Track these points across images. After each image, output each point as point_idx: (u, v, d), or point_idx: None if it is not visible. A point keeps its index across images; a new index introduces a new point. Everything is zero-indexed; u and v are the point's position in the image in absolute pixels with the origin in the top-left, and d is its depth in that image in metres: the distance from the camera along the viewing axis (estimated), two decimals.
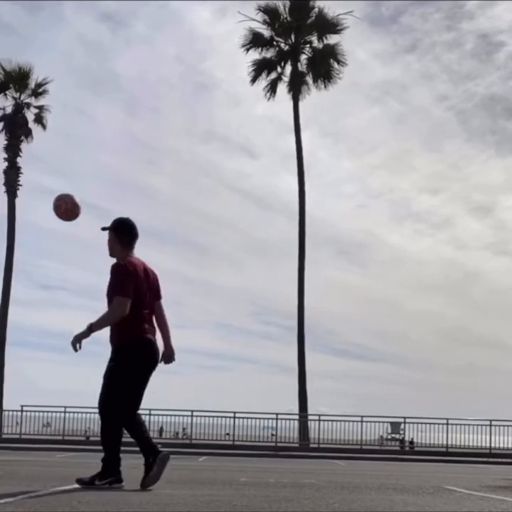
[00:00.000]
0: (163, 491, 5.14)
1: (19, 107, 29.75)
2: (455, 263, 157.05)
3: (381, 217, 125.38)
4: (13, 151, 29.28)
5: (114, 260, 5.60)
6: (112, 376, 5.41)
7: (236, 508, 4.23)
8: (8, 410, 25.17)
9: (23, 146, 29.72)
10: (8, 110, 29.70)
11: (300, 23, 29.65)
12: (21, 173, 29.22)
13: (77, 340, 5.32)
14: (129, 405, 5.42)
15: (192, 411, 23.36)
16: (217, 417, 23.74)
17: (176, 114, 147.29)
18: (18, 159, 29.30)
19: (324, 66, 29.64)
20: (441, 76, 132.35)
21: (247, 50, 30.07)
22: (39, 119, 29.90)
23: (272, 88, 30.31)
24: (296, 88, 29.31)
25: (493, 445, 22.42)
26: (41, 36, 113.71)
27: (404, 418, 24.15)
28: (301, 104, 29.36)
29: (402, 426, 24.85)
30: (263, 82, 30.30)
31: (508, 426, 22.54)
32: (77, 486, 5.32)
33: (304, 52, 30.11)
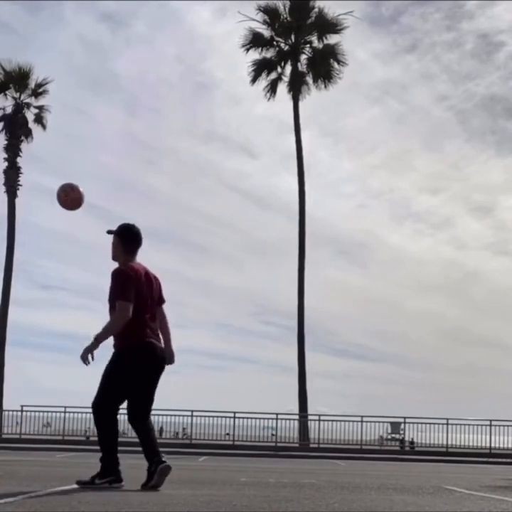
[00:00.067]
0: (163, 491, 5.14)
1: (19, 107, 29.74)
2: (455, 263, 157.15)
3: (381, 217, 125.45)
4: (13, 151, 29.28)
5: (115, 264, 5.63)
6: (111, 378, 5.43)
7: (236, 508, 4.23)
8: (8, 410, 25.18)
9: (23, 146, 29.75)
10: (8, 110, 29.72)
11: (300, 23, 29.64)
12: (21, 173, 29.24)
13: (87, 354, 5.29)
14: (138, 409, 5.47)
15: (192, 411, 23.36)
16: (217, 417, 23.75)
17: (176, 114, 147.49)
18: (18, 159, 29.29)
19: (324, 66, 29.64)
20: (441, 76, 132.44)
21: (247, 50, 30.08)
22: (39, 119, 29.90)
23: (272, 88, 30.32)
24: (296, 88, 29.31)
25: (493, 445, 22.42)
26: (41, 36, 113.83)
27: (404, 418, 24.15)
28: (301, 104, 29.39)
29: (402, 426, 24.85)
30: (263, 82, 30.34)
31: (508, 426, 22.55)
32: (77, 486, 5.33)
33: (304, 52, 30.11)
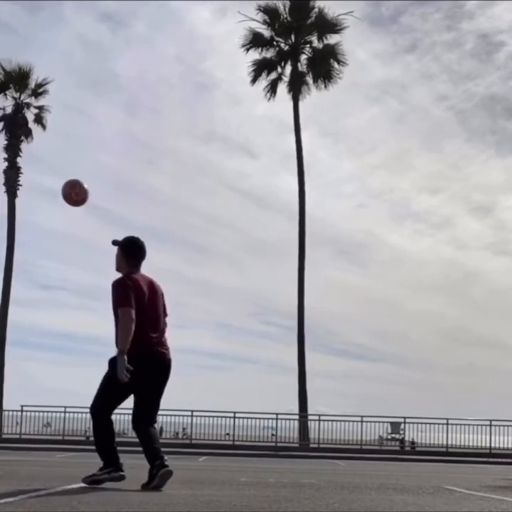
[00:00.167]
0: (163, 491, 5.14)
1: (19, 107, 29.75)
2: (455, 263, 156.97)
3: (381, 217, 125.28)
4: (13, 151, 29.29)
5: (118, 274, 5.73)
6: (109, 384, 5.48)
7: (236, 508, 4.24)
8: (8, 410, 25.18)
9: (23, 146, 29.76)
10: (8, 110, 29.73)
11: (300, 23, 29.65)
12: (21, 173, 29.24)
13: (122, 371, 5.28)
14: (141, 414, 5.52)
15: (192, 411, 23.36)
16: (217, 417, 23.75)
17: (176, 114, 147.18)
18: (18, 159, 29.30)
19: (324, 66, 29.65)
20: (441, 76, 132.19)
21: (247, 50, 30.09)
22: (39, 119, 29.91)
23: (272, 88, 30.33)
24: (296, 88, 29.32)
25: (493, 445, 22.42)
26: (41, 36, 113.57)
27: (404, 418, 24.15)
28: (301, 104, 29.40)
29: (402, 426, 24.86)
30: (263, 82, 30.35)
31: (508, 426, 22.55)
32: (77, 485, 5.34)
33: (304, 52, 30.12)
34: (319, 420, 23.48)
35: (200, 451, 19.06)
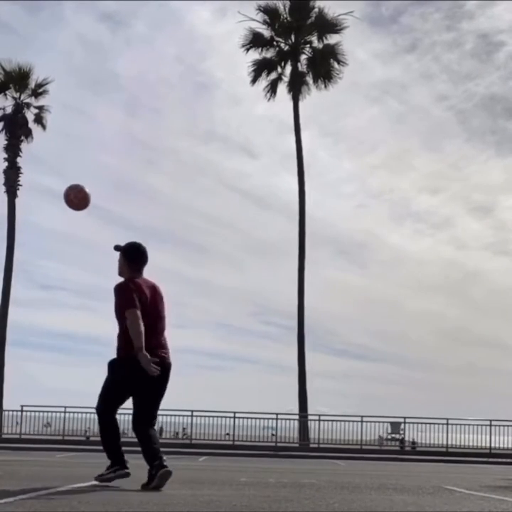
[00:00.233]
0: (164, 491, 5.15)
1: (19, 107, 29.75)
2: (455, 263, 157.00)
3: (381, 217, 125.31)
4: (13, 151, 29.29)
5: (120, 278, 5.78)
6: (111, 386, 5.57)
7: (236, 508, 4.24)
8: (8, 410, 25.18)
9: (23, 146, 29.75)
10: (8, 110, 29.72)
11: (300, 23, 29.65)
12: (21, 173, 29.24)
13: (149, 365, 5.34)
14: (140, 415, 5.58)
15: (192, 411, 23.35)
16: (217, 417, 23.75)
17: (176, 114, 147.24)
18: (18, 159, 29.30)
19: (324, 66, 29.64)
20: (441, 76, 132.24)
21: (247, 50, 30.08)
22: (39, 119, 29.91)
23: (272, 88, 30.32)
24: (296, 88, 29.32)
25: (493, 445, 22.42)
26: (41, 36, 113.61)
27: (405, 418, 24.14)
28: (301, 104, 29.40)
29: (402, 426, 24.85)
30: (263, 82, 30.34)
31: (508, 426, 22.55)
32: (77, 485, 5.35)
33: (304, 52, 30.11)
34: (319, 420, 23.49)
35: (200, 451, 19.06)
